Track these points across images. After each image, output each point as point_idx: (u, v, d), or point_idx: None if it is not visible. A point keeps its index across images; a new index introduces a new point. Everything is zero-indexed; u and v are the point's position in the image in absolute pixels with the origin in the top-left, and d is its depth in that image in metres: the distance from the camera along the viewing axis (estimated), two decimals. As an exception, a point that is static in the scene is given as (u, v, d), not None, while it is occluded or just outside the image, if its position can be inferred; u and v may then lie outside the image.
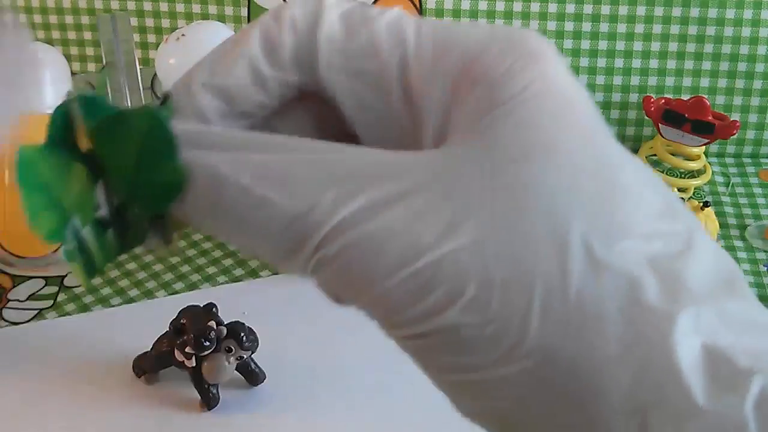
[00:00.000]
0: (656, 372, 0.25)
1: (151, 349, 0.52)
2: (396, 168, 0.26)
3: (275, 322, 0.59)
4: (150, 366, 0.52)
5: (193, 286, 0.62)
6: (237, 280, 0.63)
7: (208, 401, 0.51)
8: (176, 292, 0.62)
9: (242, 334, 0.51)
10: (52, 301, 0.61)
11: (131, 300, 0.61)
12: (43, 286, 0.62)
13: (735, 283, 0.27)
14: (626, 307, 0.25)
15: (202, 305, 0.52)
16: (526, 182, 0.26)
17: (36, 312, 0.60)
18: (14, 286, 0.62)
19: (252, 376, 0.53)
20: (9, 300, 0.61)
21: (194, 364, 0.50)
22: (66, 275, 0.63)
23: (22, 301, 0.61)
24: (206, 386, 0.51)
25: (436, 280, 0.25)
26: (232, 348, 0.50)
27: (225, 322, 0.51)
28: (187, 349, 0.50)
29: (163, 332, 0.52)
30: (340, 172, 0.25)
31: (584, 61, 0.73)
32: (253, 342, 0.51)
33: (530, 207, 0.26)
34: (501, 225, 0.26)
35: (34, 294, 0.62)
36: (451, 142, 0.27)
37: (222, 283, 0.63)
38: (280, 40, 0.28)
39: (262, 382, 0.53)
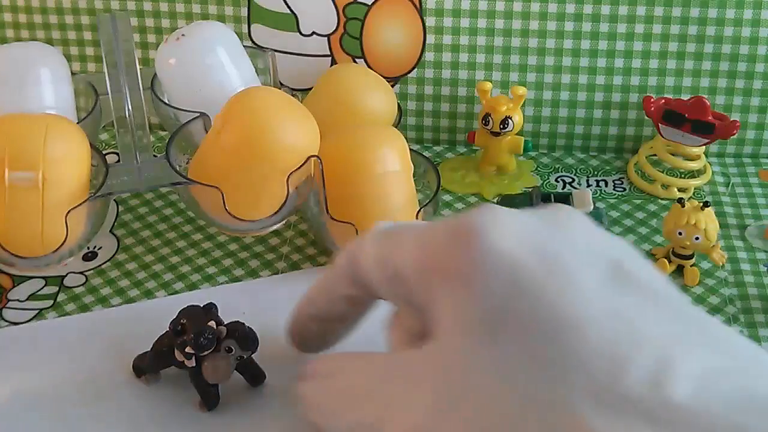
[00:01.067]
0: None
1: (151, 349, 0.52)
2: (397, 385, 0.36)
3: (275, 322, 0.59)
4: (149, 366, 0.52)
5: (193, 286, 0.62)
6: (237, 280, 0.63)
7: (208, 401, 0.51)
8: (176, 292, 0.62)
9: (242, 335, 0.51)
10: (52, 301, 0.61)
11: (131, 300, 0.61)
12: (43, 286, 0.62)
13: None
14: None
15: (202, 305, 0.52)
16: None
17: (36, 312, 0.60)
18: (14, 286, 0.62)
19: (252, 376, 0.53)
20: (9, 300, 0.61)
21: (194, 364, 0.50)
22: (66, 275, 0.63)
23: (22, 301, 0.61)
24: (206, 386, 0.51)
25: None
26: (232, 348, 0.50)
27: (225, 322, 0.51)
28: (188, 350, 0.50)
29: (163, 332, 0.52)
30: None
31: (584, 61, 0.73)
32: (254, 342, 0.51)
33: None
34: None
35: (34, 294, 0.62)
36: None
37: (222, 283, 0.63)
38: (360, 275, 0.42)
39: (262, 382, 0.53)
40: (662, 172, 0.72)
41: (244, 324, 0.51)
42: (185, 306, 0.52)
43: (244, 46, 0.67)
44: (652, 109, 0.70)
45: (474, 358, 0.31)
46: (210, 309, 0.52)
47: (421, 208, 0.61)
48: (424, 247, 0.35)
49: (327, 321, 0.47)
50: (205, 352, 0.50)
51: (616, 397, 0.28)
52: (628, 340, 0.29)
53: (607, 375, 0.28)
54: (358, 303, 0.43)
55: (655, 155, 0.72)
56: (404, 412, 0.33)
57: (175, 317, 0.52)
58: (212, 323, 0.50)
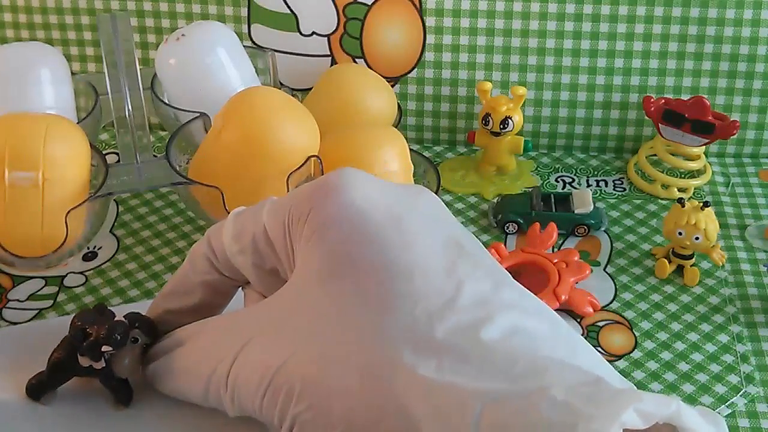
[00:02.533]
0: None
1: (48, 366, 0.51)
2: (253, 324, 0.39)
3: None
4: (48, 384, 0.52)
5: (193, 286, 0.62)
6: (237, 280, 0.63)
7: (124, 396, 0.51)
8: (176, 292, 0.62)
9: (145, 322, 0.51)
10: (52, 301, 0.61)
11: (131, 300, 0.61)
12: (43, 286, 0.62)
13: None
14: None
15: (91, 308, 0.52)
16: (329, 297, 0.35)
17: (36, 312, 0.60)
18: (14, 286, 0.62)
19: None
20: (9, 300, 0.61)
21: (104, 365, 0.50)
22: (66, 275, 0.63)
23: (22, 301, 0.61)
24: (119, 383, 0.51)
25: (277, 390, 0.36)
26: (138, 338, 0.50)
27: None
28: (104, 348, 0.49)
29: (56, 346, 0.52)
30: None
31: (584, 61, 0.73)
32: (153, 327, 0.51)
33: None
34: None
35: (34, 294, 0.62)
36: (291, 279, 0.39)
37: (222, 283, 0.63)
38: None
39: None
40: (662, 172, 0.72)
41: (138, 312, 0.51)
42: (74, 315, 0.52)
43: (244, 46, 0.67)
44: (652, 109, 0.70)
45: (316, 293, 0.35)
46: (103, 309, 0.52)
47: (421, 208, 0.61)
48: (282, 207, 0.39)
49: (184, 313, 0.48)
50: (119, 348, 0.50)
51: (433, 340, 0.32)
52: (452, 295, 0.33)
53: (428, 320, 0.32)
54: (215, 289, 0.45)
55: (655, 155, 0.72)
56: (257, 354, 0.37)
57: (71, 326, 0.51)
58: (118, 318, 0.50)
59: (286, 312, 0.36)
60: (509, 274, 0.37)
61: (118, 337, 0.50)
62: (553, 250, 0.64)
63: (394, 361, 0.32)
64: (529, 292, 0.36)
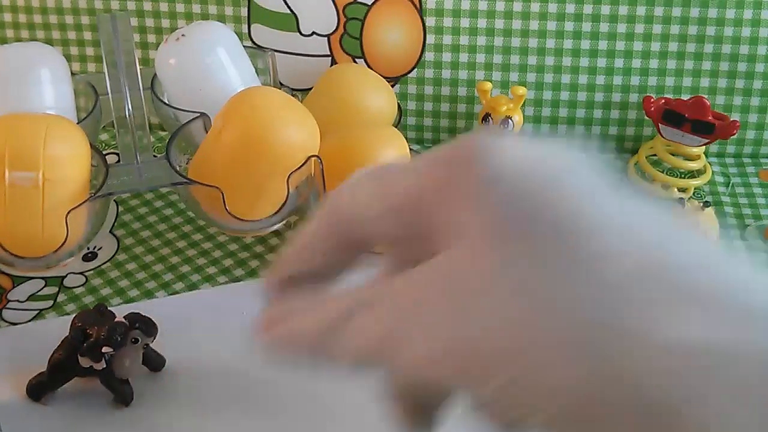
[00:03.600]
0: None
1: (48, 367, 0.52)
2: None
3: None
4: (48, 385, 0.52)
5: (193, 286, 0.62)
6: (237, 280, 0.63)
7: (124, 396, 0.52)
8: (176, 292, 0.62)
9: (145, 322, 0.51)
10: (52, 302, 0.61)
11: (131, 300, 0.61)
12: (43, 287, 0.62)
13: None
14: None
15: (91, 309, 0.52)
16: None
17: (36, 312, 0.60)
18: (14, 287, 0.62)
19: (154, 362, 0.54)
20: (9, 300, 0.61)
21: (105, 365, 0.50)
22: (66, 275, 0.63)
23: (22, 302, 0.61)
24: (120, 383, 0.51)
25: None
26: (138, 338, 0.51)
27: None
28: (104, 349, 0.50)
29: (56, 347, 0.52)
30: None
31: (584, 61, 0.73)
32: (155, 326, 0.51)
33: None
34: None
35: (34, 294, 0.62)
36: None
37: (222, 283, 0.63)
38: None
39: (163, 366, 0.54)
40: (662, 172, 0.72)
41: (139, 313, 0.52)
42: (75, 315, 0.52)
43: (244, 46, 0.67)
44: (652, 109, 0.70)
45: (485, 260, 0.31)
46: (103, 309, 0.52)
47: (421, 208, 0.61)
48: (423, 173, 0.35)
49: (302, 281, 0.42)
50: (120, 348, 0.50)
51: (646, 295, 0.29)
52: (641, 247, 0.30)
53: (635, 274, 0.29)
54: (340, 256, 0.40)
55: (655, 155, 0.72)
56: (432, 326, 0.32)
57: (71, 327, 0.51)
58: (117, 319, 0.51)
59: (456, 282, 0.32)
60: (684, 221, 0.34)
61: (119, 338, 0.50)
62: None
63: (606, 323, 0.29)
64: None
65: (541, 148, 0.34)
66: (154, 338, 0.52)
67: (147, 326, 0.51)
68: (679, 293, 0.29)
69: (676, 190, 0.70)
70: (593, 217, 0.31)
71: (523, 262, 0.31)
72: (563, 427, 0.29)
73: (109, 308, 0.53)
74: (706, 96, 0.71)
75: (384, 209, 0.36)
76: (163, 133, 0.76)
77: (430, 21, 0.74)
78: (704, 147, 0.70)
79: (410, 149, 0.62)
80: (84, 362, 0.51)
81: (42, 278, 0.63)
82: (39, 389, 0.52)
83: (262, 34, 0.76)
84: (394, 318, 0.32)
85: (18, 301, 0.61)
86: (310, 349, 0.34)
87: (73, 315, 0.53)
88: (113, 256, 0.65)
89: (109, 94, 0.61)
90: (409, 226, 0.36)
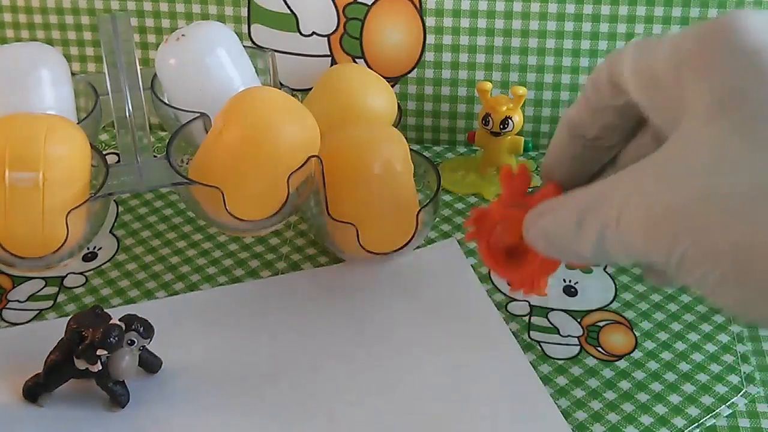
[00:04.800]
0: None
1: (44, 368, 0.52)
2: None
3: (275, 322, 0.59)
4: (44, 386, 0.52)
5: (193, 287, 0.62)
6: (237, 280, 0.63)
7: (120, 398, 0.52)
8: (176, 293, 0.62)
9: (142, 324, 0.51)
10: (52, 302, 0.61)
11: (131, 300, 0.61)
12: (43, 287, 0.62)
13: None
14: None
15: (88, 309, 0.52)
16: None
17: (36, 313, 0.60)
18: (14, 287, 0.62)
19: (150, 363, 0.54)
20: (9, 300, 0.61)
21: (100, 367, 0.50)
22: (66, 275, 0.63)
23: (22, 302, 0.61)
24: (115, 385, 0.51)
25: None
26: (134, 340, 0.51)
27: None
28: (99, 352, 0.50)
29: (52, 348, 0.52)
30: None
31: (584, 62, 0.73)
32: (150, 329, 0.51)
33: None
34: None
35: (34, 294, 0.62)
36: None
37: (222, 283, 0.63)
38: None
39: (160, 368, 0.54)
40: (662, 172, 0.71)
41: (136, 315, 0.52)
42: (70, 317, 0.52)
43: (244, 46, 0.67)
44: (652, 109, 0.70)
45: (705, 131, 0.34)
46: (99, 311, 0.52)
47: (421, 209, 0.61)
48: (677, 46, 0.37)
49: (591, 139, 0.45)
50: (116, 350, 0.50)
51: None
52: None
53: None
54: (614, 121, 0.44)
55: (655, 155, 0.72)
56: (644, 195, 0.36)
57: (66, 329, 0.51)
58: (113, 321, 0.51)
59: (673, 155, 0.35)
60: None
61: (114, 341, 0.50)
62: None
63: None
64: None
65: None
66: (151, 340, 0.52)
67: (143, 328, 0.51)
68: None
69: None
70: None
71: (734, 136, 0.33)
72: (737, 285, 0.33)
73: (107, 309, 0.53)
74: (706, 96, 0.71)
75: (639, 83, 0.39)
76: (163, 133, 0.76)
77: (430, 21, 0.74)
78: (704, 147, 0.70)
79: (410, 149, 0.62)
80: (80, 364, 0.51)
81: (42, 278, 0.63)
82: (35, 391, 0.52)
83: (262, 34, 0.76)
84: (624, 201, 0.36)
85: (18, 301, 0.61)
86: (560, 240, 0.40)
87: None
88: (113, 256, 0.65)
89: (109, 94, 0.61)
90: (656, 102, 0.38)
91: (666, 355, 0.57)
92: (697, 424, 0.52)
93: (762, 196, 0.32)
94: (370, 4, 0.74)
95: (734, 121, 0.33)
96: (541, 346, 0.57)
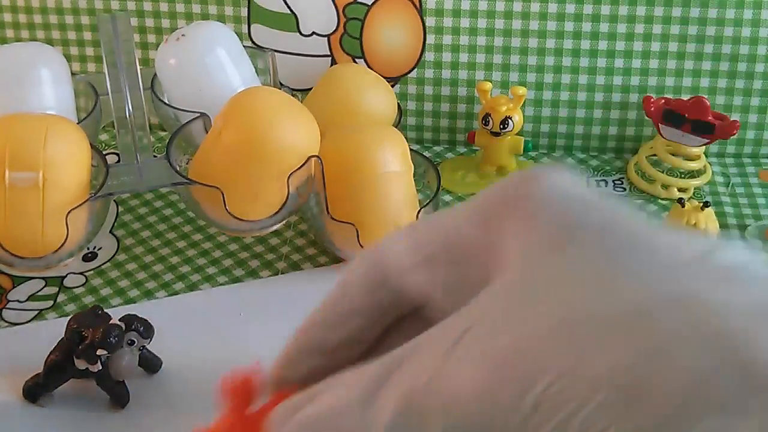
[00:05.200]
0: None
1: (44, 369, 0.52)
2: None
3: (275, 323, 0.59)
4: (44, 386, 0.52)
5: (193, 287, 0.62)
6: (237, 280, 0.63)
7: (121, 398, 0.52)
8: (176, 293, 0.62)
9: (142, 324, 0.51)
10: (52, 302, 0.61)
11: (131, 300, 0.61)
12: (43, 287, 0.62)
13: None
14: None
15: (88, 310, 0.52)
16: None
17: (36, 312, 0.60)
18: (14, 287, 0.62)
19: (150, 364, 0.54)
20: (9, 300, 0.61)
21: (100, 367, 0.50)
22: (66, 275, 0.63)
23: (22, 302, 0.61)
24: (115, 385, 0.51)
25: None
26: (134, 340, 0.51)
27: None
28: (99, 352, 0.50)
29: (52, 348, 0.52)
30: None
31: (584, 61, 0.73)
32: (150, 329, 0.52)
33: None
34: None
35: (34, 294, 0.62)
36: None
37: (222, 283, 0.63)
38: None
39: (160, 368, 0.54)
40: (662, 172, 0.72)
41: (135, 315, 0.52)
42: (70, 317, 0.52)
43: (244, 46, 0.67)
44: (652, 109, 0.70)
45: (544, 269, 0.30)
46: (99, 311, 0.52)
47: (421, 208, 0.61)
48: (479, 206, 0.34)
49: (324, 354, 0.39)
50: (116, 350, 0.50)
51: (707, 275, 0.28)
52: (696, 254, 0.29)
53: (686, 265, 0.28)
54: (372, 316, 0.38)
55: (655, 155, 0.72)
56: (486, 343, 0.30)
57: (66, 329, 0.51)
58: (113, 321, 0.51)
59: (514, 291, 0.30)
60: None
61: (114, 341, 0.50)
62: None
63: (674, 294, 0.28)
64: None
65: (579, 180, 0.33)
66: (151, 340, 0.52)
67: (143, 328, 0.51)
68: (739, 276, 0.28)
69: (676, 190, 0.70)
70: (642, 225, 0.30)
71: (586, 268, 0.30)
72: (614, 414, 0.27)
73: (107, 309, 0.53)
74: (706, 96, 0.71)
75: (424, 256, 0.34)
76: (163, 133, 0.76)
77: (430, 21, 0.74)
78: (704, 147, 0.70)
79: (410, 149, 0.62)
80: (80, 364, 0.51)
81: (42, 278, 0.63)
82: (35, 391, 0.52)
83: (262, 34, 0.76)
84: (441, 355, 0.29)
85: (18, 301, 0.61)
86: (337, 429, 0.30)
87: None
88: (113, 256, 0.65)
89: (109, 94, 0.61)
90: (452, 270, 0.34)
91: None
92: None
93: (635, 318, 0.28)
94: (370, 4, 0.74)
95: (581, 250, 0.30)
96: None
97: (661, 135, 0.71)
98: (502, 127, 0.70)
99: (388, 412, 0.29)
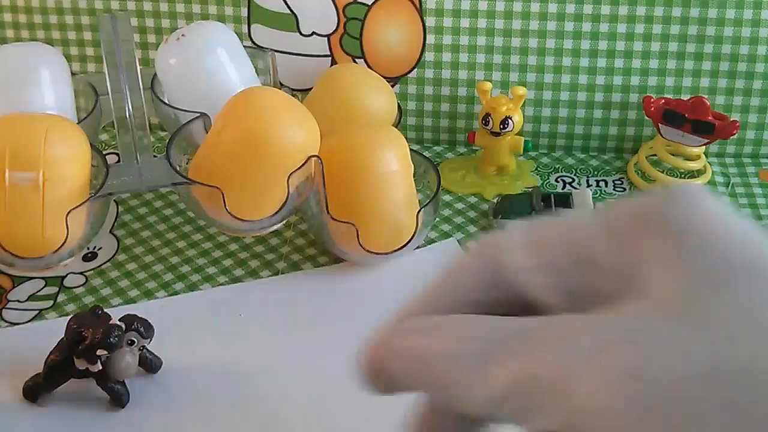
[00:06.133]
0: None
1: (44, 368, 0.52)
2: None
3: (275, 323, 0.59)
4: (44, 386, 0.52)
5: (193, 287, 0.62)
6: (237, 280, 0.63)
7: (121, 398, 0.52)
8: (176, 293, 0.62)
9: (142, 324, 0.51)
10: (52, 302, 0.61)
11: (131, 300, 0.61)
12: (43, 287, 0.62)
13: None
14: None
15: (88, 310, 0.52)
16: None
17: (36, 312, 0.60)
18: (14, 287, 0.62)
19: (150, 363, 0.54)
20: (9, 300, 0.61)
21: (100, 367, 0.50)
22: (66, 275, 0.63)
23: (22, 302, 0.61)
24: (115, 385, 0.51)
25: None
26: (134, 340, 0.51)
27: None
28: (99, 352, 0.50)
29: (52, 348, 0.52)
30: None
31: (584, 61, 0.73)
32: (150, 329, 0.52)
33: None
34: None
35: (34, 294, 0.62)
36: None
37: (222, 283, 0.63)
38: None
39: (160, 368, 0.54)
40: (662, 172, 0.72)
41: (136, 315, 0.52)
42: (70, 317, 0.52)
43: (244, 46, 0.67)
44: (652, 109, 0.70)
45: (696, 307, 0.28)
46: (99, 311, 0.52)
47: (421, 208, 0.61)
48: (614, 221, 0.33)
49: None
50: (115, 351, 0.50)
51: None
52: None
53: None
54: (486, 310, 0.35)
55: (655, 155, 0.72)
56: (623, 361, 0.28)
57: (66, 329, 0.51)
58: (113, 321, 0.51)
59: (665, 321, 0.29)
60: None
61: (114, 341, 0.50)
62: None
63: None
64: None
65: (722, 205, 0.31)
66: (151, 340, 0.52)
67: (143, 328, 0.51)
68: None
69: (676, 190, 0.70)
70: None
71: (735, 305, 0.28)
72: None
73: (107, 309, 0.53)
74: (706, 96, 0.71)
75: (548, 260, 0.33)
76: (163, 133, 0.76)
77: (430, 21, 0.74)
78: (704, 147, 0.70)
79: (410, 149, 0.62)
80: (80, 364, 0.51)
81: (42, 278, 0.63)
82: (35, 391, 0.52)
83: (262, 34, 0.76)
84: (579, 357, 0.27)
85: (18, 301, 0.61)
86: (433, 374, 0.29)
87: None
88: (113, 256, 0.65)
89: (109, 94, 0.61)
90: (576, 278, 0.32)
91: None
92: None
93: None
94: (370, 4, 0.74)
95: (732, 297, 0.28)
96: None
97: (661, 135, 0.71)
98: (502, 127, 0.70)
99: (503, 382, 0.28)
